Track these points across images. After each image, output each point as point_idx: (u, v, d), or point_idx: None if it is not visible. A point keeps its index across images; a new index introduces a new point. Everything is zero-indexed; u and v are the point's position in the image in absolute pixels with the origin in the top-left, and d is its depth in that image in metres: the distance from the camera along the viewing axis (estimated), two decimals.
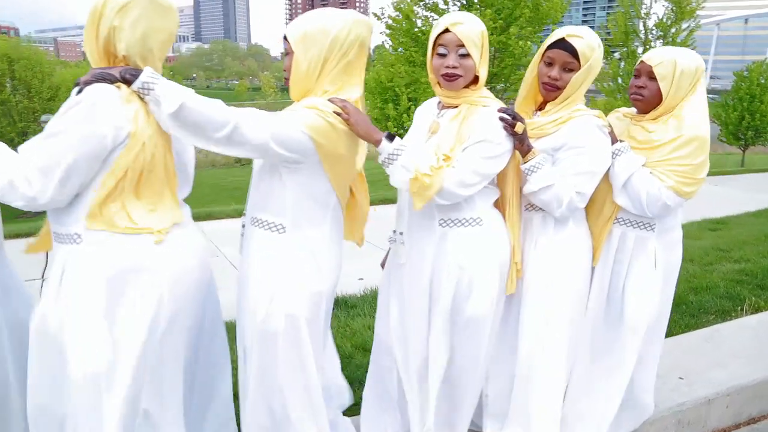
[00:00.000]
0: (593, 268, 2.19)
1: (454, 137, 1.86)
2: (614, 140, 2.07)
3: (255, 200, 1.85)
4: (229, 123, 1.58)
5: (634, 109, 2.23)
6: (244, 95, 73.88)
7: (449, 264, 1.91)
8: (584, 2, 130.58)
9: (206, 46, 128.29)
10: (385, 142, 1.78)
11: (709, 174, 2.16)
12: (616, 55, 19.52)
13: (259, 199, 1.83)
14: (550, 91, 2.00)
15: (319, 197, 1.80)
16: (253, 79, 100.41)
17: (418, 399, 2.08)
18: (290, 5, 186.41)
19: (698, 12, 18.32)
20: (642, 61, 2.10)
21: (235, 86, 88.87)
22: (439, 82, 1.93)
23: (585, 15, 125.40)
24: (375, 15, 14.12)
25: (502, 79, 13.13)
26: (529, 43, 12.28)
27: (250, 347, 1.84)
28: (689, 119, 2.02)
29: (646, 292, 2.13)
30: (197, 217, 2.01)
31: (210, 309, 1.99)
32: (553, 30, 2.24)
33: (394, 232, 2.06)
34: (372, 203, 2.10)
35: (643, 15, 18.49)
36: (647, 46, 18.40)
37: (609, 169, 2.05)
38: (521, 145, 1.91)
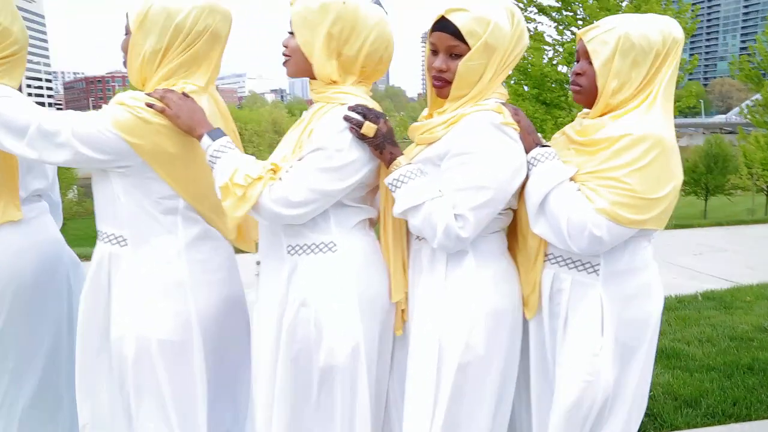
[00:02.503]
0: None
1: (292, 144, 1.51)
2: (531, 144, 1.49)
3: (96, 209, 1.64)
4: (30, 125, 1.46)
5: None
6: None
7: (292, 301, 1.52)
8: (742, 27, 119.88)
9: None
10: (206, 139, 1.48)
11: None
12: None
13: (97, 208, 1.62)
14: (439, 87, 1.50)
15: (160, 202, 1.55)
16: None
17: None
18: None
19: None
20: (581, 39, 1.51)
21: None
22: None
23: (743, 41, 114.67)
24: None
25: None
26: None
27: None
28: (634, 116, 1.41)
29: (580, 366, 1.46)
30: None
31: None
32: None
33: (258, 262, 1.68)
34: None
35: None
36: None
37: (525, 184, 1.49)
38: (378, 152, 1.49)
